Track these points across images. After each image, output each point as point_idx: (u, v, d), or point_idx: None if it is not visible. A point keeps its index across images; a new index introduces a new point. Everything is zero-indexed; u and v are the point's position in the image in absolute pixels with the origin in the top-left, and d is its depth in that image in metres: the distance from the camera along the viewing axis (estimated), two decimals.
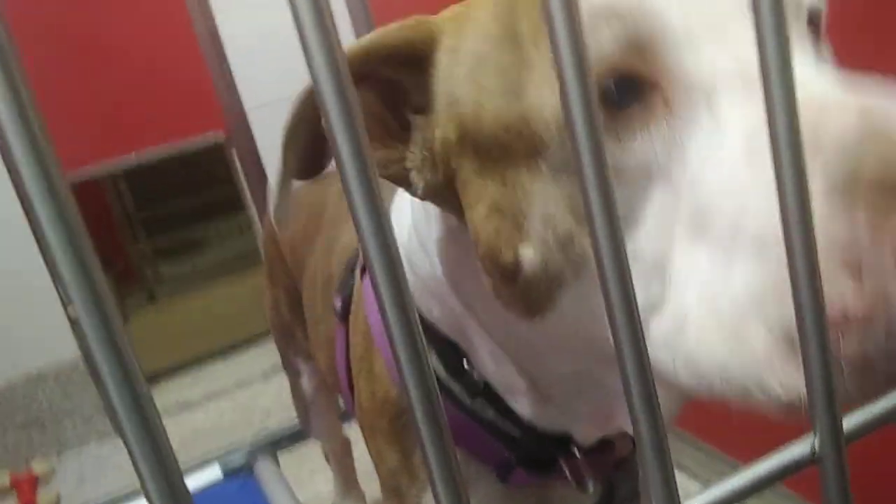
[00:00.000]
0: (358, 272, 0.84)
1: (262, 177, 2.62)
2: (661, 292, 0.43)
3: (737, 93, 0.42)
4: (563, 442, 0.69)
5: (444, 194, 0.55)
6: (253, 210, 2.61)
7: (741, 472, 0.32)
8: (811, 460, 0.32)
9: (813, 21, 0.50)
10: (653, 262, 0.44)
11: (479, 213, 0.51)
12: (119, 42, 2.40)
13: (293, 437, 1.80)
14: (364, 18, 2.08)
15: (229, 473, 1.66)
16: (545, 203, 0.47)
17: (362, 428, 0.81)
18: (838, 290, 0.35)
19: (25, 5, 2.25)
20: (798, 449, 0.32)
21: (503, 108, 0.48)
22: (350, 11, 2.10)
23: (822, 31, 0.52)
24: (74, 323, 0.22)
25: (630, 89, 0.44)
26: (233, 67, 2.44)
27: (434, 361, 0.69)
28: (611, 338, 0.28)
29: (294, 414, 1.70)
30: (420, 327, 0.25)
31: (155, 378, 2.74)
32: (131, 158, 2.49)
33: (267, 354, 1.85)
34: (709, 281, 0.41)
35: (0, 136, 0.21)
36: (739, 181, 0.40)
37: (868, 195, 0.34)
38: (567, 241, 0.47)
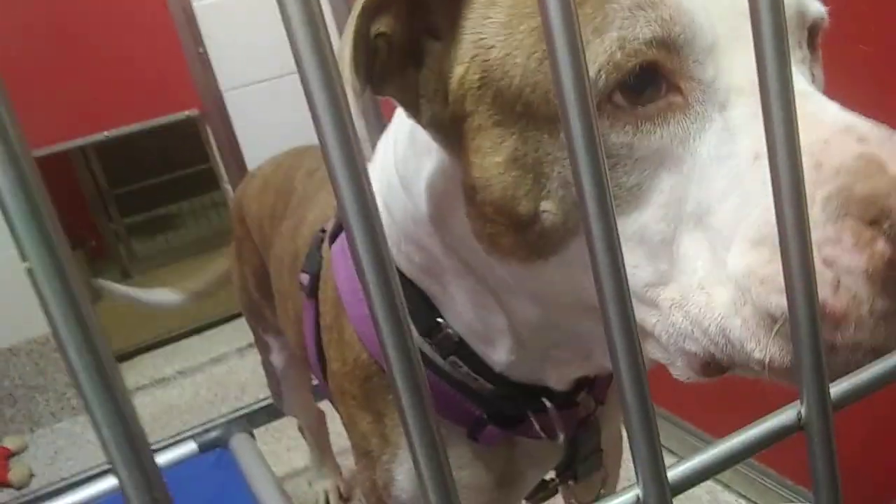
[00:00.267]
0: (326, 243, 0.84)
1: (236, 153, 2.60)
2: (669, 269, 0.48)
3: (750, 101, 0.46)
4: (533, 396, 0.70)
5: (448, 129, 0.55)
6: (228, 187, 2.59)
7: (729, 438, 0.32)
8: (798, 427, 0.32)
9: (812, 34, 0.53)
10: (660, 241, 0.48)
11: (493, 161, 0.52)
12: (93, 26, 2.36)
13: (269, 413, 1.79)
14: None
15: (205, 449, 1.66)
16: (564, 168, 0.49)
17: (333, 395, 0.81)
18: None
19: None
20: (785, 416, 0.33)
21: (534, 69, 0.49)
22: None
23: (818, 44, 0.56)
24: (35, 287, 0.21)
25: (651, 81, 0.47)
26: (208, 48, 2.43)
27: None
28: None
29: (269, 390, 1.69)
30: (399, 282, 0.24)
31: (130, 355, 2.71)
32: (101, 135, 2.45)
33: (242, 330, 1.84)
34: (709, 264, 0.46)
35: None
36: (742, 181, 0.45)
37: (857, 209, 0.40)
38: None
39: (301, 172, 1.20)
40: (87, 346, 0.22)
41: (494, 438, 0.73)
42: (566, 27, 0.26)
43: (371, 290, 0.23)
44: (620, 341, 0.28)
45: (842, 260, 0.40)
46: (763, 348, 0.44)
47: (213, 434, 1.67)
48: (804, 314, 0.32)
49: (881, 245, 0.39)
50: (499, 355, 0.68)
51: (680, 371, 0.50)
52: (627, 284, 0.29)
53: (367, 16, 0.51)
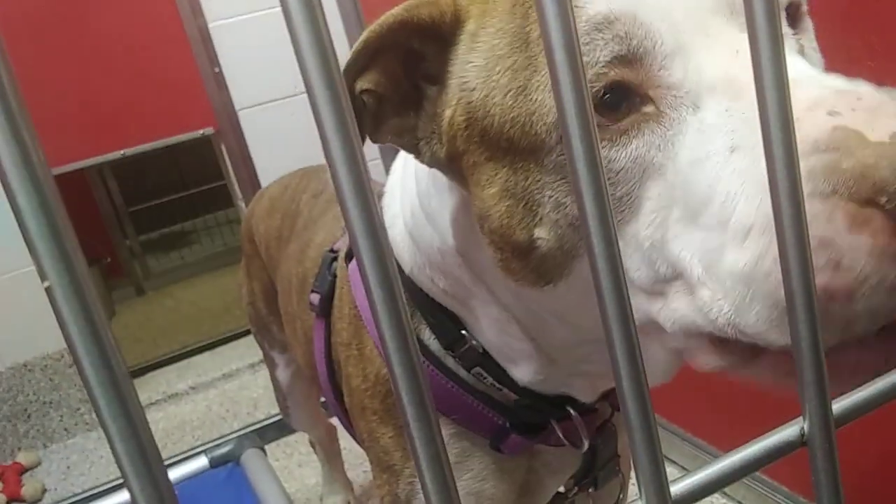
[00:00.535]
0: (342, 260, 0.85)
1: (250, 171, 2.63)
2: (670, 271, 0.48)
3: (721, 96, 0.46)
4: (556, 405, 0.71)
5: (448, 167, 0.58)
6: (242, 204, 2.61)
7: (733, 454, 0.32)
8: (801, 442, 0.32)
9: (790, 11, 0.53)
10: (653, 247, 0.48)
11: (489, 193, 0.54)
12: (108, 41, 2.39)
13: (280, 429, 1.80)
14: (355, 16, 2.08)
15: (216, 464, 1.66)
16: (554, 191, 0.50)
17: (352, 411, 0.82)
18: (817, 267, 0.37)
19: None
20: (788, 432, 0.33)
21: (510, 105, 0.51)
22: (340, 8, 2.10)
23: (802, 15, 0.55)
24: (54, 305, 0.22)
25: (624, 96, 0.48)
26: (223, 68, 2.46)
27: (428, 336, 0.71)
28: None
29: None
30: (405, 302, 0.25)
31: (143, 370, 2.73)
32: (118, 153, 2.48)
33: (253, 347, 1.85)
34: (707, 265, 0.46)
35: None
36: (723, 175, 0.45)
37: (848, 186, 0.39)
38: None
39: (307, 195, 1.23)
40: (103, 363, 0.23)
41: (517, 447, 0.73)
42: (566, 50, 0.26)
43: (378, 308, 0.24)
44: (624, 364, 0.28)
45: (839, 240, 0.39)
46: (787, 335, 0.43)
47: (225, 449, 1.68)
48: (806, 330, 0.32)
49: (880, 220, 0.38)
50: (522, 374, 0.69)
51: (701, 359, 0.50)
52: (630, 305, 0.29)
53: (350, 76, 0.54)
